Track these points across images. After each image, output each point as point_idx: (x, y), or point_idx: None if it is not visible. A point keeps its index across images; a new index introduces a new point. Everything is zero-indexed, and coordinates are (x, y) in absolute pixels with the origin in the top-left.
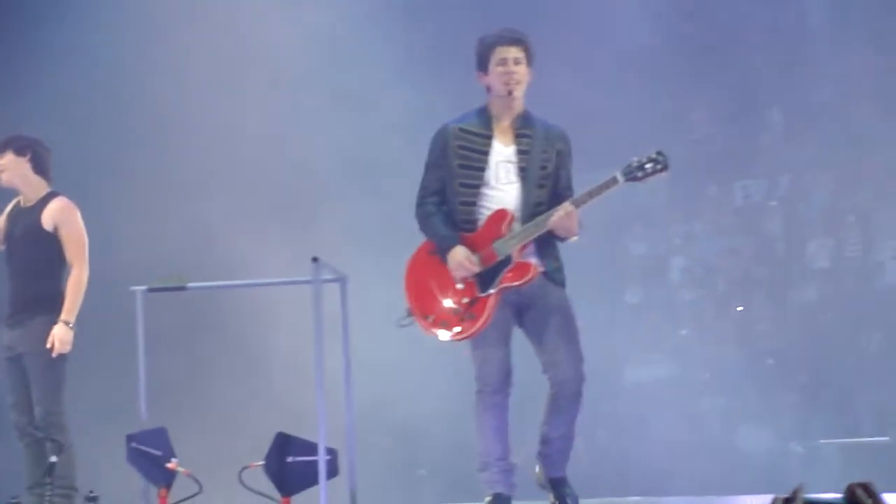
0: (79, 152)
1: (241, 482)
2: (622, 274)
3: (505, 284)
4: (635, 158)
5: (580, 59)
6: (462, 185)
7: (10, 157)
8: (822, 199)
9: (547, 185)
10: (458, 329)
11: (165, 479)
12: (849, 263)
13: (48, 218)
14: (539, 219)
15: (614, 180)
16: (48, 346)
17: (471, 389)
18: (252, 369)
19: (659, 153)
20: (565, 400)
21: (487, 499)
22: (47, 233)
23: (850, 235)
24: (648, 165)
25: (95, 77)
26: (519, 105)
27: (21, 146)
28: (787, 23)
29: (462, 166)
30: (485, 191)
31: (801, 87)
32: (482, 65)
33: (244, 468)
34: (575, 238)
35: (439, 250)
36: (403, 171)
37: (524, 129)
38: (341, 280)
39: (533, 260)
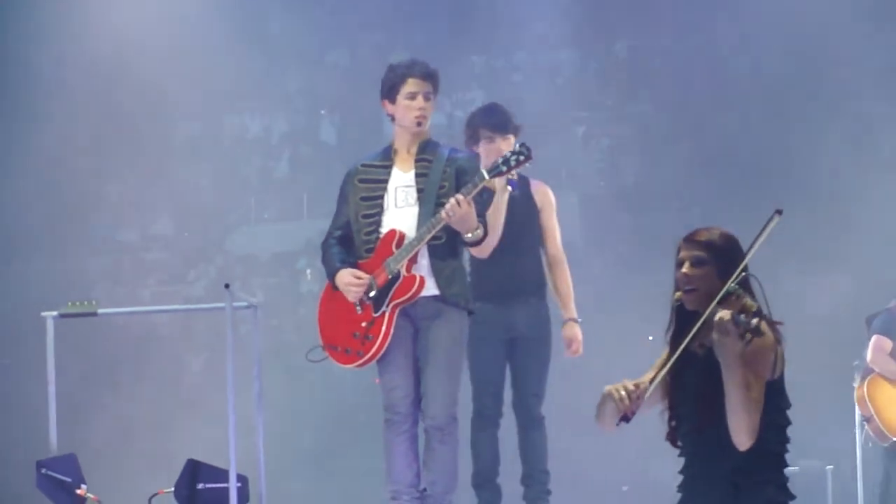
0: None
1: None
2: None
3: (395, 301)
4: (500, 158)
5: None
6: (364, 216)
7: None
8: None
9: (446, 202)
10: (361, 353)
11: None
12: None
13: (538, 199)
14: (422, 230)
15: (482, 177)
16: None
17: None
18: (168, 393)
19: (522, 145)
20: (433, 440)
21: None
22: (537, 213)
23: (757, 270)
24: (513, 159)
25: None
26: (423, 134)
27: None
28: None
29: (364, 198)
30: (384, 217)
31: (711, 117)
32: (391, 94)
33: (154, 495)
34: (478, 233)
35: (331, 281)
36: None
37: (424, 154)
38: (253, 307)
39: (423, 274)
